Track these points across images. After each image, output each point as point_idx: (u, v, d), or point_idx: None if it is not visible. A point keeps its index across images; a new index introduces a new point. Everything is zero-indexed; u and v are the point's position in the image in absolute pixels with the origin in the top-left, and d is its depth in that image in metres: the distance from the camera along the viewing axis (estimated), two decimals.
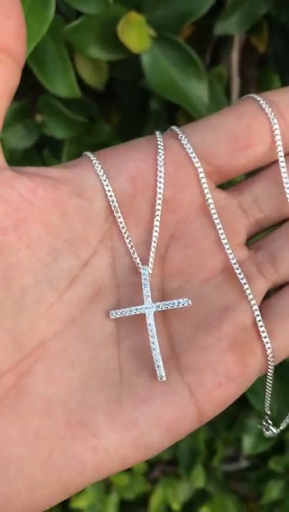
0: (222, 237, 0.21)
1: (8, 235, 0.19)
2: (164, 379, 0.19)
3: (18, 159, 0.32)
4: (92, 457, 0.19)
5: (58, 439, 0.19)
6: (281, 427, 0.24)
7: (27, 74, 0.28)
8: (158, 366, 0.19)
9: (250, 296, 0.21)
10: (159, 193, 0.21)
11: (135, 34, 0.24)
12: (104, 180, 0.20)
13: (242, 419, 0.42)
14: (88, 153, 0.21)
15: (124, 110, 0.36)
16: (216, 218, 0.21)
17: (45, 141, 0.32)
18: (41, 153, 0.33)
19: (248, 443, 0.40)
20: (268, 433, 0.24)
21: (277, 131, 0.21)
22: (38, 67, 0.27)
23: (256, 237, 0.23)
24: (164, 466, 0.60)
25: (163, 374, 0.19)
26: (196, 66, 0.26)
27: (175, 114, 0.33)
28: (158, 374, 0.19)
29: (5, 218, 0.19)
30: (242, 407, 0.44)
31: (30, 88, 0.30)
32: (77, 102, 0.30)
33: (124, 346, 0.20)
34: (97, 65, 0.28)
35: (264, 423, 0.25)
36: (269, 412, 0.24)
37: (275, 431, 0.24)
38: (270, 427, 0.24)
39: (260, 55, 0.33)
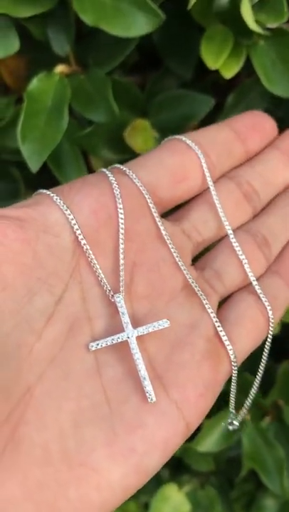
0: (177, 259, 0.23)
1: None
2: (155, 400, 0.20)
3: None
4: (98, 495, 0.19)
5: (61, 486, 0.18)
6: (239, 419, 0.27)
7: (44, 168, 0.31)
8: (148, 390, 0.20)
9: (210, 310, 0.23)
10: (122, 224, 0.22)
11: (140, 138, 0.27)
12: (69, 215, 0.21)
13: (259, 499, 0.41)
14: (45, 191, 0.22)
15: None
16: (170, 243, 0.23)
17: None
18: None
19: None
20: (230, 427, 0.26)
21: (205, 165, 0.24)
22: (55, 164, 0.30)
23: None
24: None
25: (153, 396, 0.20)
26: None
27: None
28: (148, 397, 0.20)
29: None
30: (259, 487, 0.43)
31: (47, 181, 0.33)
32: None
33: (107, 377, 0.21)
34: (108, 162, 0.31)
35: (229, 420, 0.26)
36: (234, 411, 0.26)
37: (237, 423, 0.26)
38: (233, 422, 0.26)
39: None
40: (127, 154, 0.28)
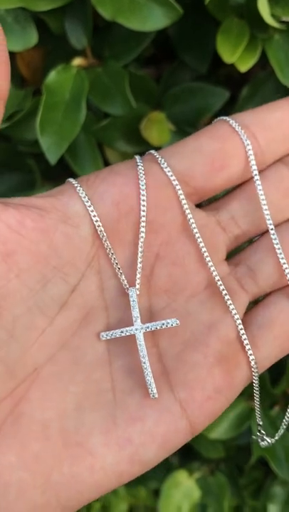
0: (205, 254, 0.22)
1: None
2: (156, 396, 0.20)
3: None
4: (90, 476, 0.19)
5: (56, 461, 0.19)
6: (276, 437, 0.25)
7: (61, 159, 0.32)
8: (150, 385, 0.20)
9: (234, 312, 0.22)
10: (143, 216, 0.21)
11: (156, 130, 0.27)
12: (90, 206, 0.21)
13: (267, 487, 0.42)
14: (72, 180, 0.22)
15: None
16: (199, 237, 0.22)
17: None
18: None
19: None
20: (263, 443, 0.25)
21: (250, 152, 0.22)
22: (71, 156, 0.30)
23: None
24: None
25: (155, 392, 0.20)
26: None
27: None
28: (150, 392, 0.20)
29: None
30: (268, 474, 0.44)
31: (63, 172, 0.34)
32: None
33: (116, 366, 0.21)
34: (123, 154, 0.31)
35: (258, 434, 0.25)
36: (261, 423, 0.24)
37: (269, 441, 0.24)
38: (265, 437, 0.24)
39: None
40: (143, 146, 0.28)
